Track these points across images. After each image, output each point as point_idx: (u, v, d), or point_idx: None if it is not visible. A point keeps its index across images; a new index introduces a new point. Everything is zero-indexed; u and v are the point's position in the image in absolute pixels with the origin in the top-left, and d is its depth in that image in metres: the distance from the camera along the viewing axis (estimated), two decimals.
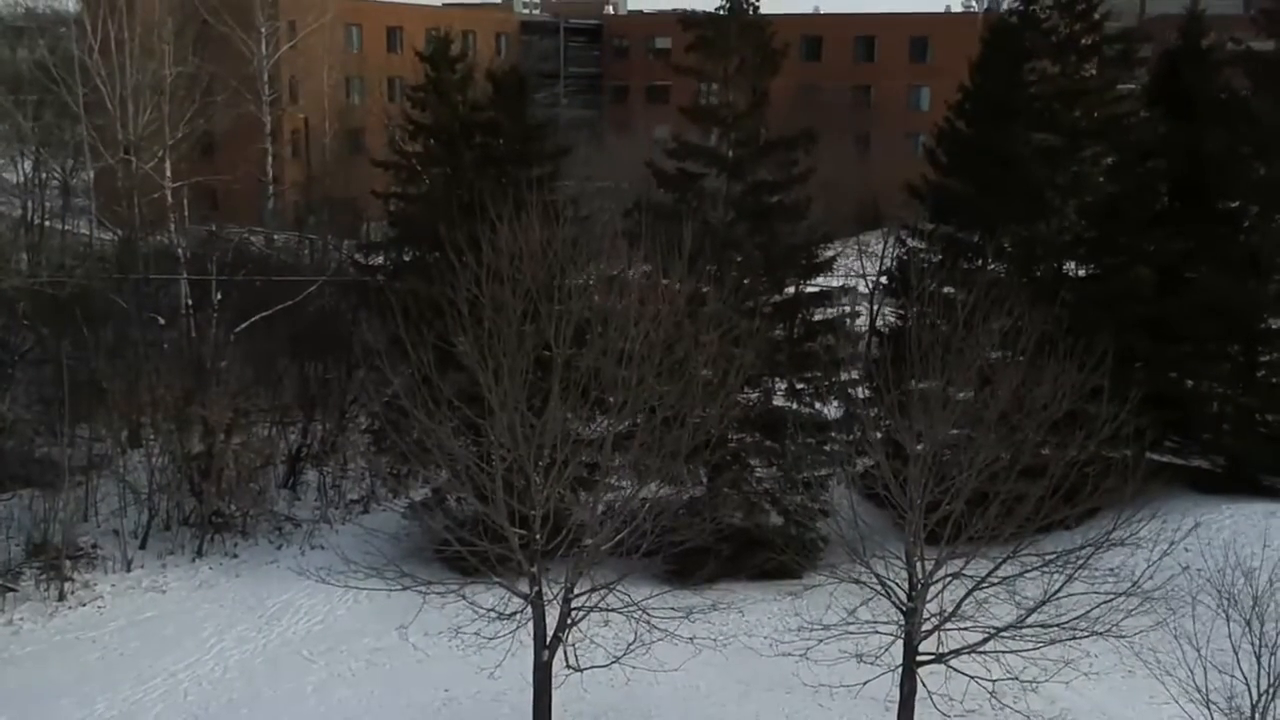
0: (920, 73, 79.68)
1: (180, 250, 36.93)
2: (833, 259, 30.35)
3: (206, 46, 48.10)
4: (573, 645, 19.36)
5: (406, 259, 30.77)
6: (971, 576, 18.65)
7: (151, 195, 41.44)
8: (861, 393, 29.87)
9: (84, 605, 26.46)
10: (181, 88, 41.92)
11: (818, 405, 29.64)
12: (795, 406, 29.26)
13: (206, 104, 44.70)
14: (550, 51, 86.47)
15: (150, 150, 41.21)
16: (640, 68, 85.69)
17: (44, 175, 52.31)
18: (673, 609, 19.80)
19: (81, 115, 41.24)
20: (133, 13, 41.51)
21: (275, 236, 47.46)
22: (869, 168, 61.40)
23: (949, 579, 18.80)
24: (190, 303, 36.74)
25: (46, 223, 51.42)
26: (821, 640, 19.16)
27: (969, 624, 18.75)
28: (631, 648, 19.35)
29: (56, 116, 47.08)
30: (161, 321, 35.10)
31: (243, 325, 33.84)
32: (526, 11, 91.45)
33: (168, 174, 40.55)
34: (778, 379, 29.36)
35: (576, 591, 19.40)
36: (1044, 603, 18.53)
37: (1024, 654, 18.53)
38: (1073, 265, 32.53)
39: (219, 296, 33.94)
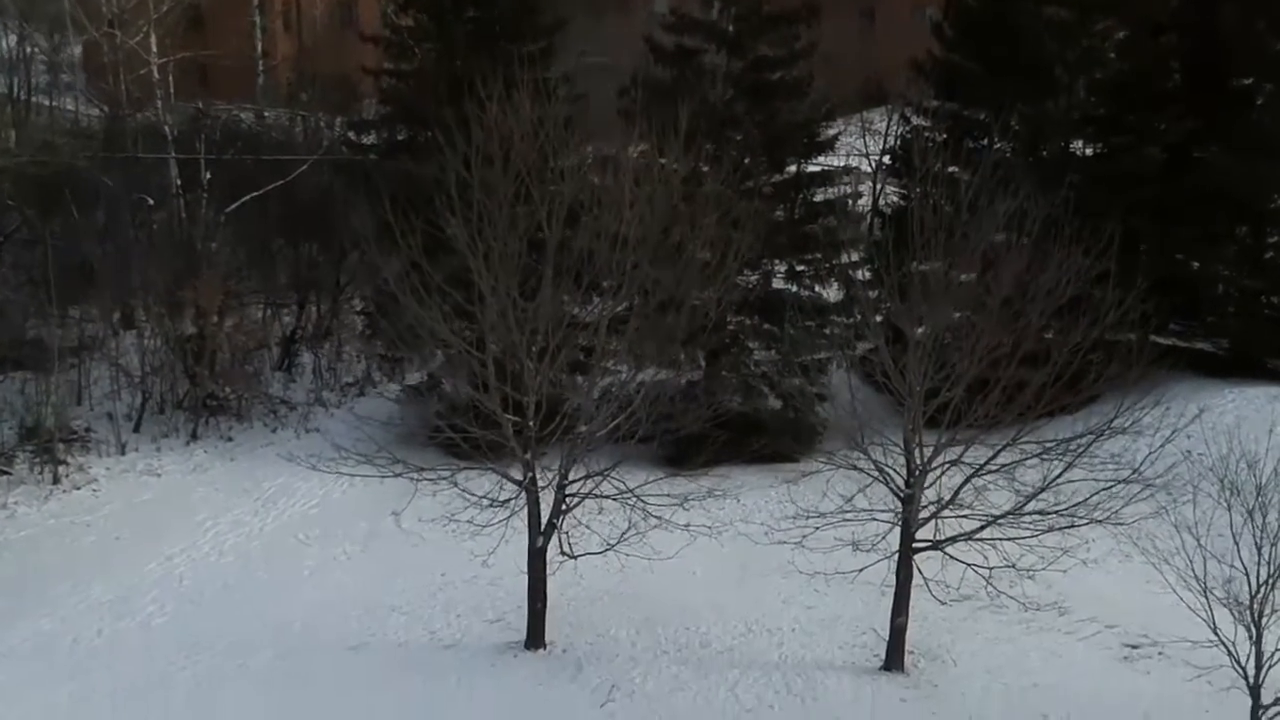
0: None
1: (167, 129, 36.03)
2: (835, 138, 29.68)
3: None
4: (566, 533, 19.22)
5: (399, 138, 30.02)
6: (970, 464, 18.44)
7: (138, 72, 40.42)
8: (863, 274, 29.45)
9: (78, 489, 26.39)
10: None
11: (818, 288, 29.23)
12: (795, 289, 28.85)
13: None
14: None
15: (135, 25, 40.03)
16: None
17: (29, 50, 50.98)
18: (668, 495, 19.61)
19: None
20: None
21: (265, 113, 46.26)
22: (874, 42, 59.87)
23: (947, 466, 18.61)
24: (179, 183, 35.97)
25: (34, 99, 50.33)
26: (818, 528, 18.99)
27: (967, 511, 18.61)
28: (625, 535, 19.22)
29: None
30: (150, 202, 34.42)
31: (233, 206, 33.15)
32: None
33: (153, 49, 39.40)
34: (777, 261, 28.89)
35: (571, 478, 19.23)
36: (1042, 490, 18.35)
37: (1021, 541, 18.38)
38: (1080, 145, 31.76)
39: (208, 176, 33.21)
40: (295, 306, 34.49)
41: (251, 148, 37.24)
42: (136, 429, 29.22)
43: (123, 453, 28.07)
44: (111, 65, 40.23)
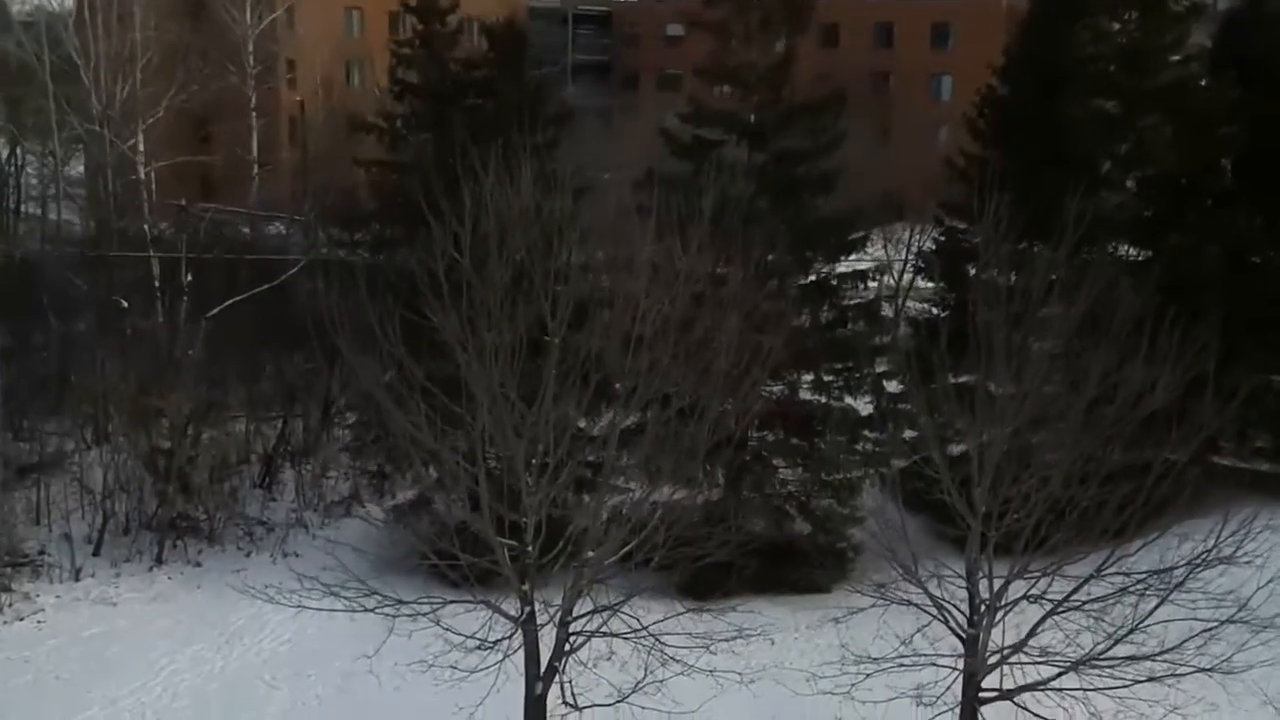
0: (941, 61, 76.75)
1: (147, 229, 33.90)
2: (867, 236, 27.29)
3: (192, 17, 45.27)
4: (570, 680, 16.28)
5: (388, 234, 27.65)
6: (1046, 598, 15.65)
7: (129, 176, 38.82)
8: (899, 384, 26.93)
9: (21, 620, 23.50)
10: (158, 57, 39.07)
11: (848, 399, 26.63)
12: (824, 400, 26.27)
13: (189, 78, 41.77)
14: (558, 38, 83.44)
15: (129, 129, 38.52)
16: (651, 56, 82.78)
17: (20, 158, 49.68)
18: (690, 635, 16.73)
19: (48, 86, 38.38)
20: None
21: (260, 217, 44.37)
22: (887, 158, 58.25)
23: (1017, 601, 15.82)
24: (159, 286, 33.70)
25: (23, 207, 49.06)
26: (869, 674, 16.07)
27: (1041, 654, 15.76)
28: (641, 685, 16.26)
29: (30, 93, 44.34)
30: (124, 305, 32.07)
31: (213, 311, 30.72)
32: None
33: (140, 150, 37.64)
34: (803, 370, 26.34)
35: (576, 613, 16.40)
36: (1132, 630, 15.53)
37: (1110, 692, 15.47)
38: (1129, 248, 29.38)
39: (188, 278, 30.90)
40: (280, 418, 31.91)
41: (238, 249, 35.01)
42: (96, 552, 26.40)
43: (76, 579, 25.19)
44: (101, 168, 38.65)
